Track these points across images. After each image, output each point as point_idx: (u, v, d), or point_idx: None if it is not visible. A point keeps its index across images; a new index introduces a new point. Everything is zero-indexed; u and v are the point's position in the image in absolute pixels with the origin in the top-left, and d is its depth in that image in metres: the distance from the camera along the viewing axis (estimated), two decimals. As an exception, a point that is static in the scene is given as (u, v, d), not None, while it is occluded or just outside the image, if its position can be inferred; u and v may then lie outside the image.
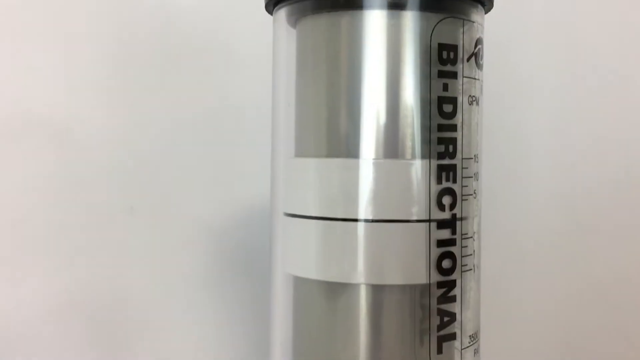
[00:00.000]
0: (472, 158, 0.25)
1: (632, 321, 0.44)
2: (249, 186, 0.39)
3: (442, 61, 0.23)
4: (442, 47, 0.23)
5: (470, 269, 0.25)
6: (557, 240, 0.43)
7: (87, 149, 0.39)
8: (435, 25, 0.23)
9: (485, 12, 0.26)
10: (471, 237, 0.25)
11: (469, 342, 0.25)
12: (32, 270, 0.37)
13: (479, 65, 0.25)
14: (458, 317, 0.24)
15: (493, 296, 0.39)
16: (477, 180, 0.25)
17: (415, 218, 0.23)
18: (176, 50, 0.39)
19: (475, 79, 0.25)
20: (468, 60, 0.24)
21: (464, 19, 0.24)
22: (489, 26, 0.26)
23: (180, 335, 0.38)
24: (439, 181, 0.24)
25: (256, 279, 0.38)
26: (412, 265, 0.24)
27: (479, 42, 0.25)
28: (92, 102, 0.39)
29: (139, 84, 0.39)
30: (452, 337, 0.24)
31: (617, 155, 0.43)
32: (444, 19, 0.23)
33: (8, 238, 0.38)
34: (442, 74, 0.23)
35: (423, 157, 0.24)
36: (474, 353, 0.25)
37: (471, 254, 0.25)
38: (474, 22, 0.25)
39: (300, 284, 0.26)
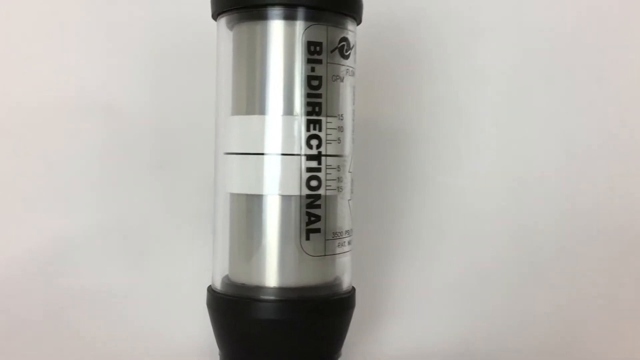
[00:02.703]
0: (336, 116, 0.38)
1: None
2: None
3: (310, 52, 0.37)
4: (310, 43, 0.37)
5: (334, 189, 0.38)
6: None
7: (129, 121, 0.54)
8: (305, 30, 0.37)
9: (357, 23, 0.39)
10: (335, 168, 0.38)
11: (332, 237, 0.38)
12: (85, 207, 0.53)
13: (343, 56, 0.38)
14: (322, 218, 0.37)
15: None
16: (341, 131, 0.38)
17: (294, 153, 0.37)
18: (201, 45, 0.53)
19: (339, 64, 0.38)
20: (332, 51, 0.37)
21: (327, 25, 0.37)
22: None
23: (183, 253, 0.53)
24: (308, 129, 0.37)
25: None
26: (291, 183, 0.37)
27: (342, 40, 0.38)
28: (134, 87, 0.54)
29: (171, 74, 0.55)
30: (317, 231, 0.37)
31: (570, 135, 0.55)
32: (310, 26, 0.36)
33: (69, 185, 0.53)
34: (310, 61, 0.37)
35: (300, 114, 0.37)
36: (338, 245, 0.38)
37: (335, 179, 0.38)
38: (338, 27, 0.38)
39: (232, 198, 0.40)
